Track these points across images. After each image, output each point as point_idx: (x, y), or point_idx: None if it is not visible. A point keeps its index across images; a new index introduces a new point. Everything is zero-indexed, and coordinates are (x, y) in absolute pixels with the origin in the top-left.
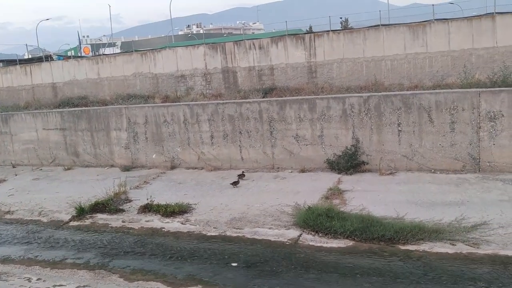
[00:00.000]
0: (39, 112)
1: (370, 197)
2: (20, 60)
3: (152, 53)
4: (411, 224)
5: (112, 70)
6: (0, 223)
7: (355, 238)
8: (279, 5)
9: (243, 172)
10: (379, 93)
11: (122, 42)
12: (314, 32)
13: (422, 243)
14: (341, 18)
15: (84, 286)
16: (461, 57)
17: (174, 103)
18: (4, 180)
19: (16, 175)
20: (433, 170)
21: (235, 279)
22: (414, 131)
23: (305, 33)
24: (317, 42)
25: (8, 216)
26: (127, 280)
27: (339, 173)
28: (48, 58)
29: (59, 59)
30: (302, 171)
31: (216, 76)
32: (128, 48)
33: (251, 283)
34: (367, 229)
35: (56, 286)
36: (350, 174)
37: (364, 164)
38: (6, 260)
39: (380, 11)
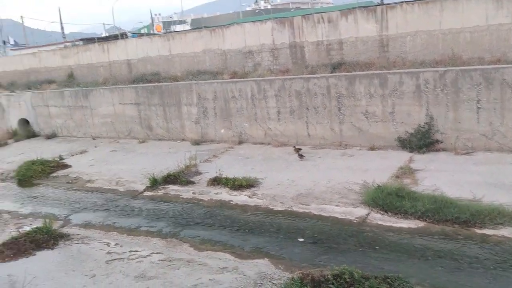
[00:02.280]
0: (116, 87)
1: (443, 177)
2: (98, 38)
3: (221, 30)
4: (489, 207)
5: (182, 46)
6: (82, 191)
7: (427, 219)
8: None
9: (299, 149)
10: (457, 68)
11: (192, 20)
12: (387, 4)
13: (501, 228)
14: None
15: (157, 253)
16: None
17: (242, 79)
18: (86, 151)
19: (95, 147)
20: None
21: (301, 254)
22: (495, 108)
23: (377, 5)
24: (390, 14)
25: (89, 185)
26: (197, 250)
27: (410, 151)
28: (123, 36)
29: (133, 37)
30: (371, 148)
31: (283, 52)
32: (198, 25)
33: (318, 259)
34: (440, 210)
35: (132, 251)
36: (423, 153)
37: (438, 143)
38: (87, 225)
39: None
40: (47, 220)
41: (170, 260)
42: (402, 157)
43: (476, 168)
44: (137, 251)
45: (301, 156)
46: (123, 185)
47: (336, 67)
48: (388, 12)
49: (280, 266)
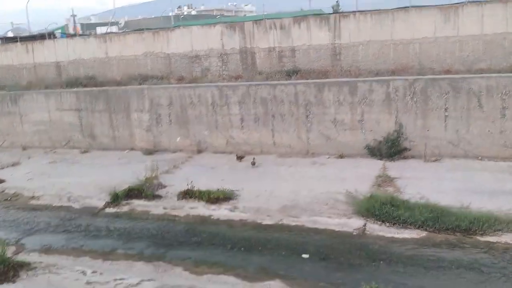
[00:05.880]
0: (53, 91)
1: (424, 185)
2: (21, 38)
3: (165, 32)
4: (485, 214)
5: (121, 49)
6: (27, 209)
7: (427, 229)
8: None
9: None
10: (426, 77)
11: (125, 21)
12: (340, 13)
13: (502, 235)
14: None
15: (148, 280)
16: (493, 41)
17: (202, 84)
18: (18, 164)
19: (29, 158)
20: (480, 157)
21: (313, 272)
22: (461, 117)
23: (330, 14)
24: (343, 23)
25: (34, 202)
26: (194, 274)
27: (380, 159)
28: (51, 35)
29: (62, 37)
30: (340, 157)
31: (233, 57)
32: (130, 28)
33: (333, 277)
34: (439, 219)
35: (116, 280)
36: (393, 161)
37: (406, 151)
38: (49, 250)
39: None
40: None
41: None
42: (375, 165)
43: (451, 175)
44: (122, 279)
45: (253, 164)
46: (77, 201)
47: (291, 74)
48: (341, 20)
49: (297, 287)
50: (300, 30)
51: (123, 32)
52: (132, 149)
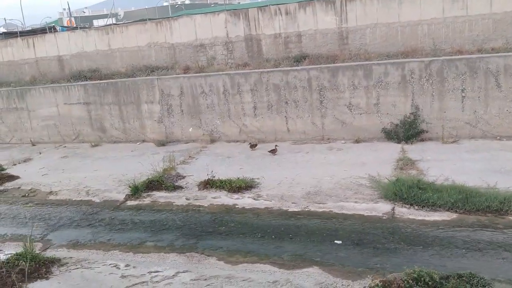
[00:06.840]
0: (60, 86)
1: (446, 166)
2: (21, 32)
3: (168, 22)
4: None
5: (124, 40)
6: (47, 205)
7: (457, 210)
8: None
9: (255, 144)
10: (442, 58)
11: (125, 13)
12: None
13: None
14: None
15: (184, 272)
16: (503, 20)
17: (213, 73)
18: (30, 159)
19: (40, 153)
20: (498, 137)
21: (350, 258)
22: (479, 97)
23: None
24: (349, 7)
25: (52, 197)
26: (229, 263)
27: (398, 142)
28: (51, 29)
29: (62, 31)
30: (357, 141)
31: (239, 45)
32: (130, 19)
33: (371, 262)
34: (468, 200)
35: (151, 272)
36: (411, 144)
37: (423, 133)
38: (76, 245)
39: None
40: (27, 244)
41: (205, 279)
42: (393, 149)
43: (472, 156)
44: (158, 271)
45: (272, 151)
46: (97, 195)
47: (299, 60)
48: (347, 4)
49: (336, 273)
50: (306, 15)
51: (125, 23)
52: (143, 141)
